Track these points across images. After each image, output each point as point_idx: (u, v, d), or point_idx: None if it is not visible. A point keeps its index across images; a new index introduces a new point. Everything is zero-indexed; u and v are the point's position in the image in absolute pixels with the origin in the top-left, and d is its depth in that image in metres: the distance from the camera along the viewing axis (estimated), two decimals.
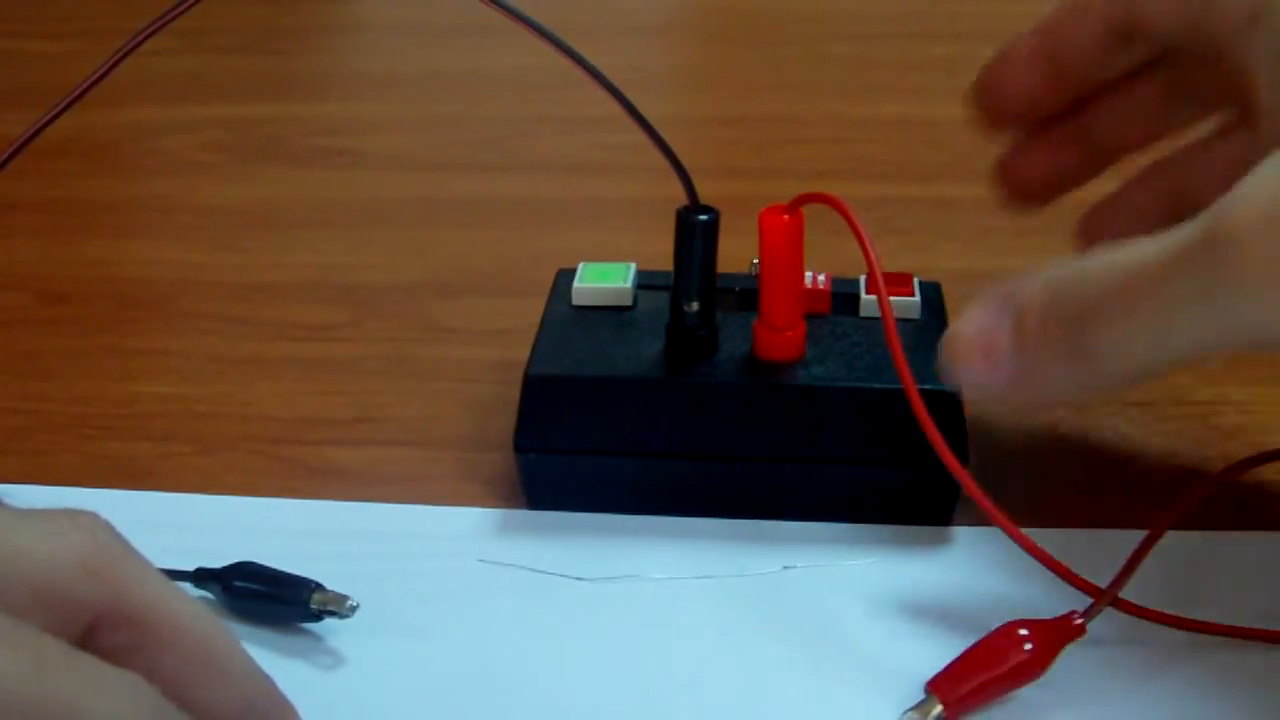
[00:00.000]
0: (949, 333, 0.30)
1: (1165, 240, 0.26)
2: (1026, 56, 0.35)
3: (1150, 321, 0.27)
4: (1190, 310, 0.26)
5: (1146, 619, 0.30)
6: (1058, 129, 0.36)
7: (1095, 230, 0.37)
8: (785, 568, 0.33)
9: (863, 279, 0.36)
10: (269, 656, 0.30)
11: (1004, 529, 0.29)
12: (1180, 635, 0.30)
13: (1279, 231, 0.25)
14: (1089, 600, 0.29)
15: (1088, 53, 0.35)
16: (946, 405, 0.32)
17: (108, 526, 0.24)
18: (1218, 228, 0.25)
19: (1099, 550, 0.31)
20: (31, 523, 0.23)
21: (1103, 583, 0.30)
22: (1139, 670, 0.30)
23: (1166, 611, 0.30)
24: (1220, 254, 0.25)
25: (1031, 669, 0.28)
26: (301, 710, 0.29)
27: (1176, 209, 0.28)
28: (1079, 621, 0.29)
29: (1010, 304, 0.29)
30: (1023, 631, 0.29)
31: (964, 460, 0.31)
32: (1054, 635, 0.29)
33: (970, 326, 0.30)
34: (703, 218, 0.33)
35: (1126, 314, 0.27)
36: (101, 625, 0.23)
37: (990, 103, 0.36)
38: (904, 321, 0.34)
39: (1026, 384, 0.30)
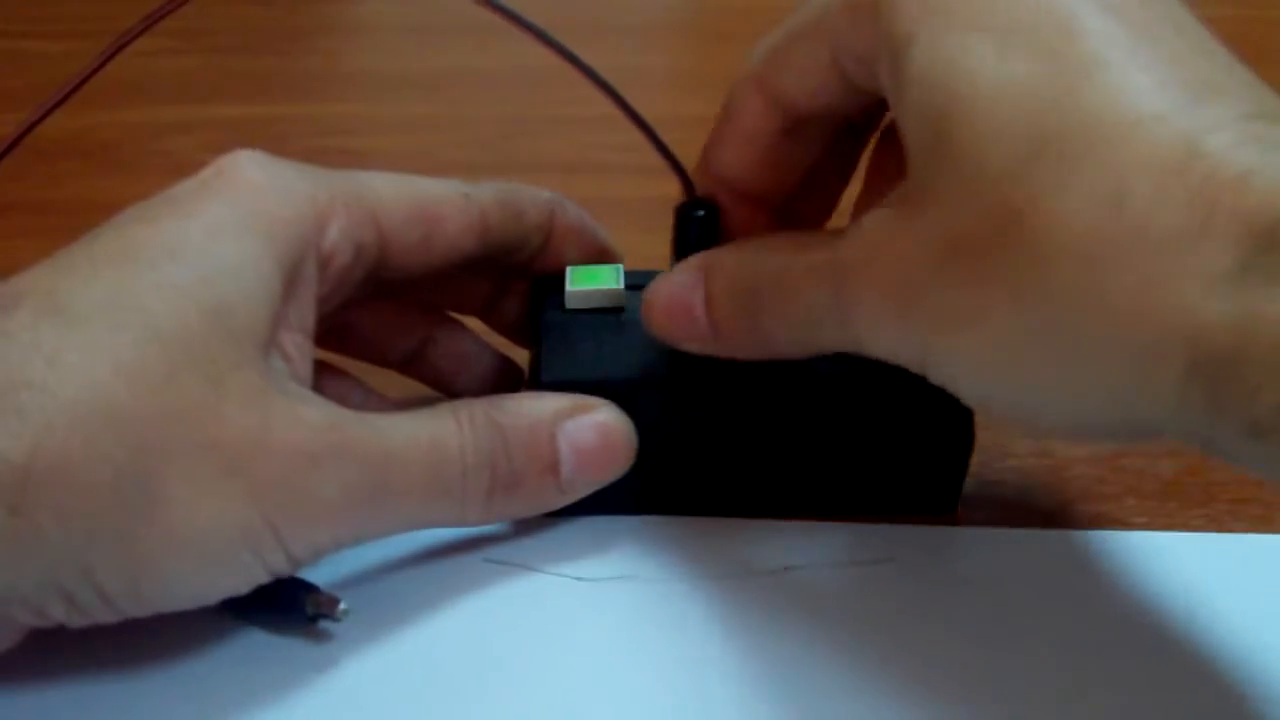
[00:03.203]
0: (649, 289, 0.32)
1: (807, 246, 0.29)
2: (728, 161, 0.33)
3: (794, 319, 0.30)
4: (822, 319, 0.29)
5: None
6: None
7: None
8: (786, 568, 0.33)
9: None
10: (267, 657, 0.30)
11: None
12: None
13: (885, 274, 0.27)
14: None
15: (755, 162, 0.33)
16: None
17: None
18: (840, 259, 0.28)
19: (1097, 551, 0.31)
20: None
21: (1100, 586, 0.29)
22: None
23: None
24: (840, 279, 0.28)
25: None
26: (302, 710, 0.29)
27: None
28: None
29: (704, 274, 0.31)
30: None
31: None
32: None
33: (666, 289, 0.32)
34: (700, 213, 0.33)
35: (778, 308, 0.30)
36: None
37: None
38: None
39: (722, 346, 0.32)
